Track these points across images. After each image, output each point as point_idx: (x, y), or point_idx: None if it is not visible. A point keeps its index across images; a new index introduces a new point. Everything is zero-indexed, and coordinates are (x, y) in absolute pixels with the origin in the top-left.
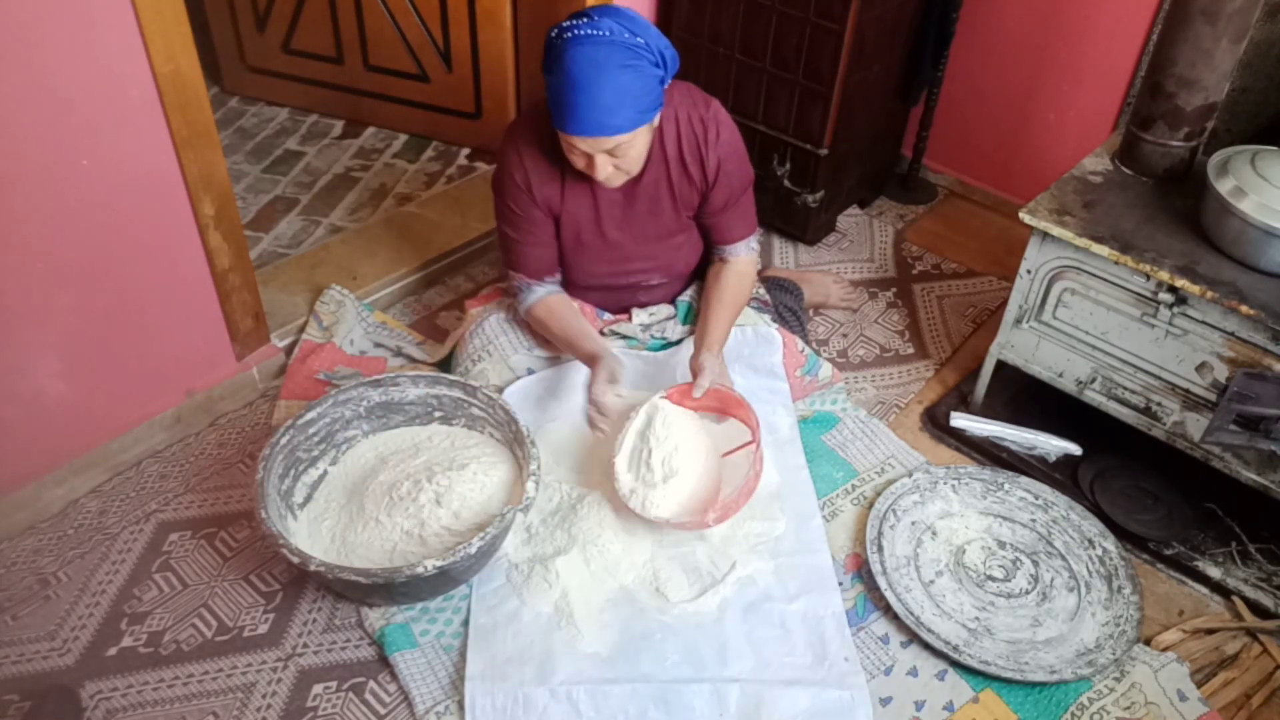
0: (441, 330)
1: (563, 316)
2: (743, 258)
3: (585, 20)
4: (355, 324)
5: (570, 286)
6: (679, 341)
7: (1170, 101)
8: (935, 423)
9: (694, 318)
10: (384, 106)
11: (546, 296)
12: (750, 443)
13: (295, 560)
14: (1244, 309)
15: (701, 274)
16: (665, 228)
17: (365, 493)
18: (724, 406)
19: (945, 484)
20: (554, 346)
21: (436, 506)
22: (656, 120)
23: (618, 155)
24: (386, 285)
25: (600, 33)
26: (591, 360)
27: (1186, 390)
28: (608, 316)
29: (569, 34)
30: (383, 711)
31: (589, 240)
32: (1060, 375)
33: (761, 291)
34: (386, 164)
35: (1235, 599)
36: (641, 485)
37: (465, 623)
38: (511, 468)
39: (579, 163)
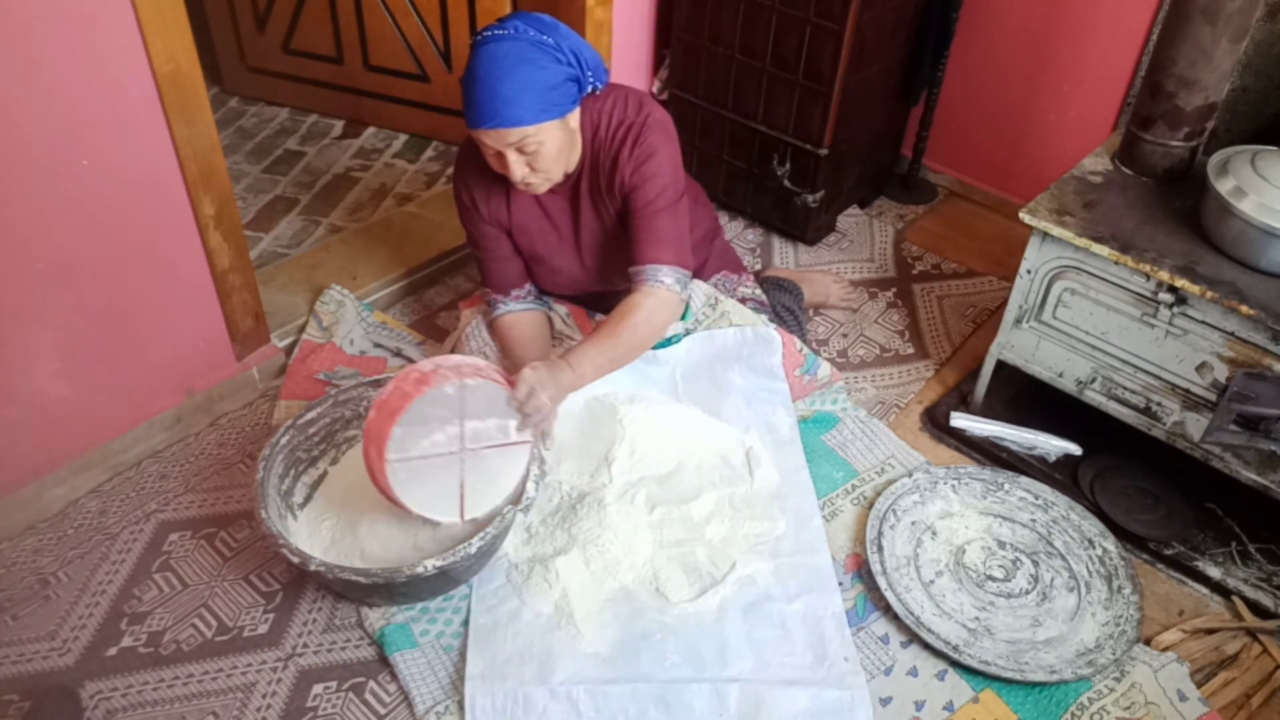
0: (441, 330)
1: (513, 339)
2: (647, 287)
3: (496, 24)
4: (355, 324)
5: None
6: (675, 340)
7: (1170, 101)
8: (935, 423)
9: (691, 316)
10: (384, 106)
11: (507, 314)
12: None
13: (295, 560)
14: (1244, 309)
15: (699, 274)
16: (611, 234)
17: (365, 492)
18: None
19: (945, 484)
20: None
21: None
22: (572, 121)
23: (527, 152)
24: (386, 285)
25: (505, 32)
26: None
27: (1186, 390)
28: (600, 317)
29: (478, 37)
30: (383, 711)
31: (545, 250)
32: (1060, 375)
33: (759, 292)
34: (386, 164)
35: (1235, 599)
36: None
37: (465, 623)
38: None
39: (494, 164)
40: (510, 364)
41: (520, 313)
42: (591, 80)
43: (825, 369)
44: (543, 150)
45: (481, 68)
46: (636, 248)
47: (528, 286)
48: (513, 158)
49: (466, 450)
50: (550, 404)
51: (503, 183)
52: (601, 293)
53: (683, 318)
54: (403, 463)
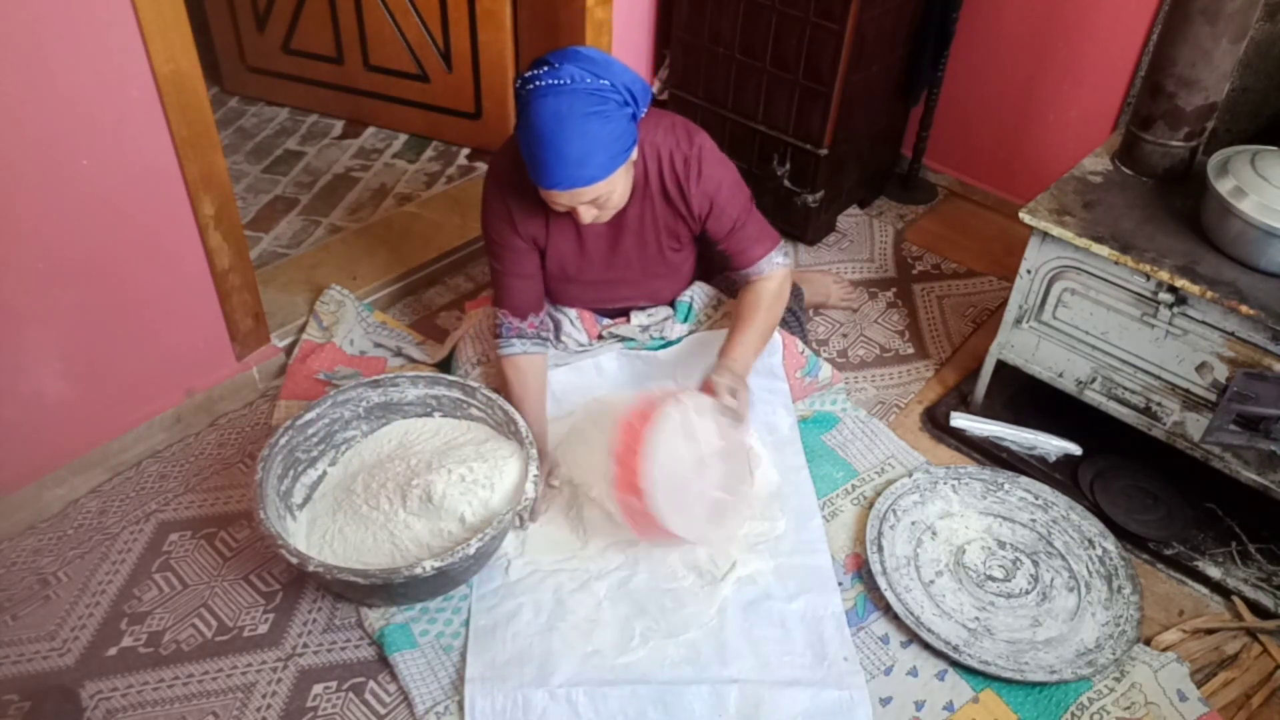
0: (441, 330)
1: (525, 388)
2: (766, 274)
3: (546, 69)
4: (355, 324)
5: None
6: (678, 340)
7: (1170, 101)
8: (935, 423)
9: (694, 317)
10: (384, 106)
11: (520, 356)
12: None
13: (294, 561)
14: (1244, 309)
15: (704, 274)
16: (651, 260)
17: (365, 493)
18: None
19: (945, 484)
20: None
21: (436, 505)
22: (634, 157)
23: (599, 203)
24: (387, 285)
25: (562, 82)
26: (536, 433)
27: (1186, 390)
28: (606, 321)
29: (531, 85)
30: (383, 711)
31: (572, 273)
32: (1060, 375)
33: None
34: (386, 164)
35: (1235, 599)
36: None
37: (465, 623)
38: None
39: (560, 209)
40: (516, 406)
41: (534, 356)
42: (641, 109)
43: (826, 371)
44: (614, 196)
45: (547, 127)
46: (739, 250)
47: (542, 315)
48: (583, 209)
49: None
50: (748, 401)
51: (545, 205)
52: (610, 311)
53: (685, 319)
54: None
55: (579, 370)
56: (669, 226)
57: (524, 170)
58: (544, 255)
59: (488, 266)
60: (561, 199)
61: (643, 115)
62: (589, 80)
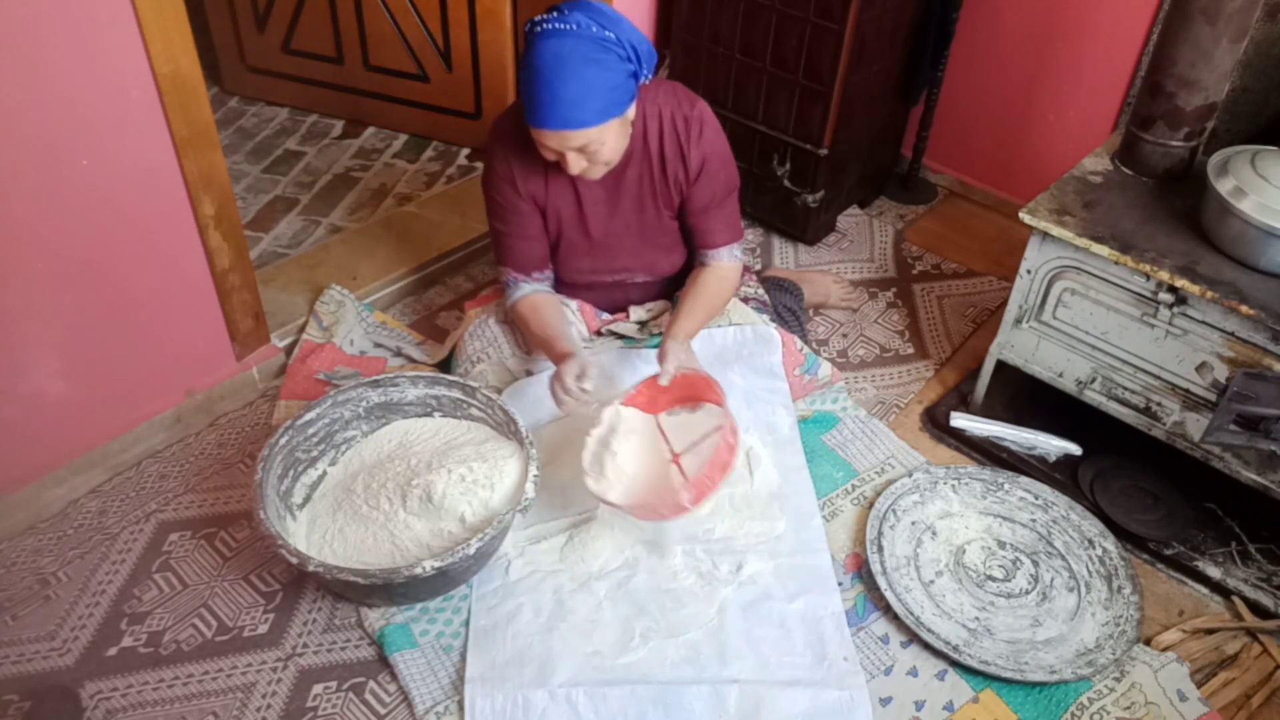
0: (441, 330)
1: (546, 316)
2: (724, 263)
3: (555, 14)
4: (355, 324)
5: (559, 285)
6: None
7: (1170, 101)
8: (935, 423)
9: None
10: (384, 106)
11: (532, 294)
12: (718, 428)
13: (294, 561)
14: (1244, 309)
15: None
16: (649, 225)
17: (365, 493)
18: (693, 391)
19: (945, 484)
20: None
21: (436, 505)
22: (630, 114)
23: (588, 152)
24: (386, 285)
25: (568, 26)
26: (563, 360)
27: (1186, 390)
28: (606, 316)
29: (538, 28)
30: (383, 711)
31: (572, 235)
32: (1060, 375)
33: (760, 292)
34: (386, 164)
35: (1235, 599)
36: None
37: (465, 623)
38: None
39: (550, 156)
40: (537, 341)
41: (543, 293)
42: (646, 73)
43: (825, 369)
44: (603, 149)
45: (545, 66)
46: (709, 234)
47: (548, 270)
48: (572, 156)
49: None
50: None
51: (544, 162)
52: (609, 284)
53: None
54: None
55: None
56: (664, 192)
57: (525, 130)
58: (545, 216)
59: (490, 233)
60: (551, 141)
61: (646, 79)
62: (594, 29)
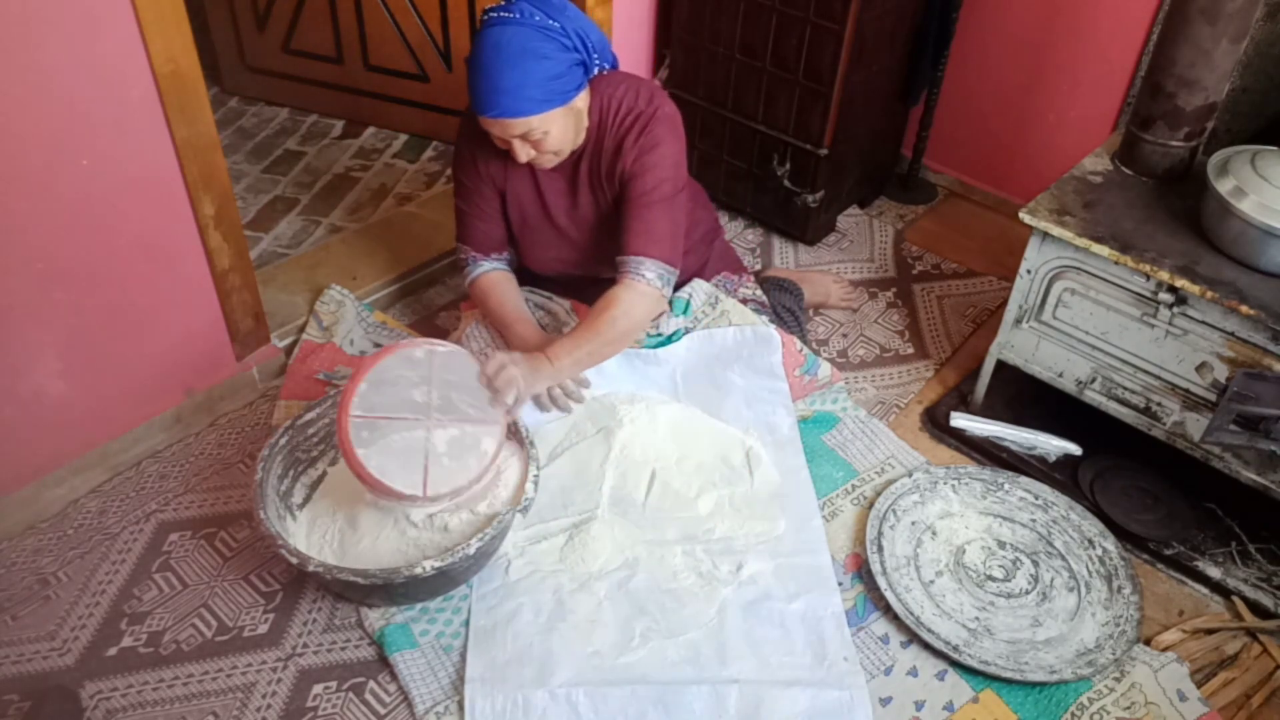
0: (441, 330)
1: (503, 294)
2: (632, 279)
3: (503, 4)
4: (355, 324)
5: (537, 279)
6: (675, 336)
7: (1170, 101)
8: (935, 423)
9: (691, 313)
10: (384, 106)
11: (491, 272)
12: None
13: (294, 561)
14: (1244, 309)
15: (700, 272)
16: (607, 219)
17: (364, 493)
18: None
19: (945, 484)
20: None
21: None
22: (577, 104)
23: (532, 140)
24: (387, 285)
25: (512, 15)
26: (530, 348)
27: (1186, 390)
28: None
29: (486, 17)
30: (383, 711)
31: (535, 224)
32: (1060, 375)
33: (759, 293)
34: (386, 164)
35: (1235, 599)
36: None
37: (465, 623)
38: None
39: (499, 144)
40: (494, 319)
41: (502, 271)
42: (598, 62)
43: (825, 369)
44: (548, 138)
45: (485, 55)
46: (625, 237)
47: (506, 253)
48: (517, 144)
49: (434, 420)
50: (522, 383)
51: (504, 151)
52: (593, 279)
53: (684, 312)
54: (366, 421)
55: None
56: (610, 186)
57: None
58: (505, 200)
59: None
60: (493, 129)
61: (601, 69)
62: (538, 18)
